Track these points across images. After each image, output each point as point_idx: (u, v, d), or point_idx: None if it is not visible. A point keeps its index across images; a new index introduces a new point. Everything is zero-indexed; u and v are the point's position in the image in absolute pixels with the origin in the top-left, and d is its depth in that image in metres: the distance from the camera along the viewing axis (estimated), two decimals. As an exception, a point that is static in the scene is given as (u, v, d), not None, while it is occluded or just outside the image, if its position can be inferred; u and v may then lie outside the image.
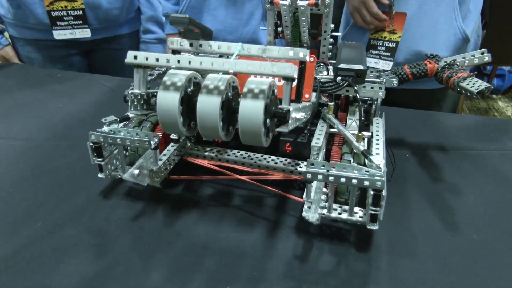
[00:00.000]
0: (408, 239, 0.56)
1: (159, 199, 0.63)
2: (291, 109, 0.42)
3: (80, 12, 1.21)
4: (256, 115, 0.44)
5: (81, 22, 1.23)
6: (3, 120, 0.90)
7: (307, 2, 0.69)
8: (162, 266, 0.51)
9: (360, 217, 0.53)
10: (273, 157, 0.66)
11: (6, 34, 1.30)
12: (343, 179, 0.48)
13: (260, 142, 0.47)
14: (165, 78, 0.48)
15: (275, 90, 0.48)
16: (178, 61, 0.44)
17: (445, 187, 0.68)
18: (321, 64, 0.75)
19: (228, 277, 0.50)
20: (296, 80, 0.43)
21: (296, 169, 0.64)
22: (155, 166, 0.58)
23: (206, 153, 0.68)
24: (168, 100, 0.46)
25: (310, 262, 0.53)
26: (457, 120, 0.95)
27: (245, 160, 0.66)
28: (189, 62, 0.44)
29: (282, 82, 0.45)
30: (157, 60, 0.45)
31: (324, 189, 0.54)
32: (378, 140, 0.60)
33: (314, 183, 0.51)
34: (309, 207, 0.52)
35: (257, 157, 0.66)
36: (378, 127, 0.64)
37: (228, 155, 0.67)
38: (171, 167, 0.64)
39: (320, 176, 0.49)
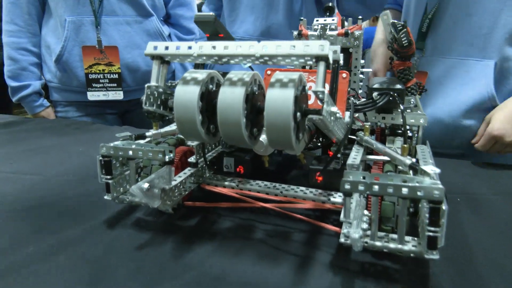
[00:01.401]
0: (476, 281, 0.44)
1: (169, 230, 0.55)
2: (325, 91, 0.36)
3: (116, 76, 1.27)
4: (285, 105, 0.38)
5: (115, 85, 1.28)
6: (22, 159, 0.88)
7: (336, 32, 0.68)
8: (165, 298, 0.41)
9: (414, 246, 0.43)
10: (302, 188, 0.58)
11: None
12: (390, 189, 0.39)
13: (290, 141, 0.40)
14: (186, 74, 0.44)
15: (306, 87, 0.43)
16: (201, 48, 0.41)
17: (509, 227, 0.57)
18: (352, 95, 0.70)
19: (246, 315, 0.39)
20: (330, 65, 0.38)
21: (329, 199, 0.55)
22: (167, 185, 0.51)
23: (227, 183, 0.60)
24: (187, 94, 0.42)
25: (352, 302, 0.41)
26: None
27: (270, 190, 0.58)
28: (213, 48, 0.40)
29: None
30: (178, 48, 0.42)
31: (366, 212, 0.44)
32: (426, 162, 0.51)
33: (354, 198, 0.42)
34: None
35: (283, 187, 0.58)
36: (424, 152, 0.56)
37: (251, 185, 0.60)
38: (186, 192, 0.56)
39: (361, 187, 0.40)
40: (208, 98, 0.44)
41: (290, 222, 0.57)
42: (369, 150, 0.58)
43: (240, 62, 0.42)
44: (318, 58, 0.37)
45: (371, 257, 0.49)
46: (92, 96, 1.25)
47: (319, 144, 0.62)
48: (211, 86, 0.44)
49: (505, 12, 0.84)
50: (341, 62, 0.48)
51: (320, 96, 0.37)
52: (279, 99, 0.38)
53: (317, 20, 0.71)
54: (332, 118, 0.41)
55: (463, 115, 0.91)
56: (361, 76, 0.76)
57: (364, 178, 0.41)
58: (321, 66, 0.37)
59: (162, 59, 0.44)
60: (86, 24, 1.19)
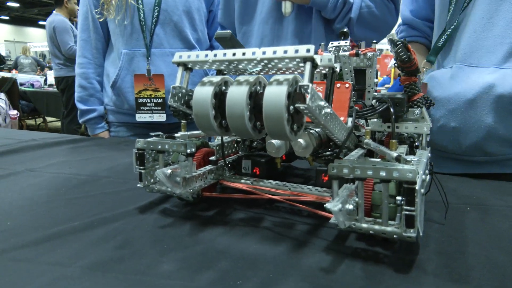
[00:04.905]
0: (461, 270, 0.47)
1: (189, 217, 0.63)
2: (310, 85, 0.44)
3: (161, 100, 1.43)
4: (279, 98, 0.46)
5: (160, 108, 1.44)
6: (78, 165, 1.02)
7: (348, 53, 0.76)
8: (175, 261, 0.49)
9: (396, 228, 0.47)
10: (308, 186, 0.64)
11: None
12: (370, 172, 0.45)
13: (284, 130, 0.47)
14: (204, 78, 0.53)
15: (302, 89, 0.51)
16: (215, 55, 0.50)
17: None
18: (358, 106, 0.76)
19: (241, 275, 0.45)
20: (316, 66, 0.46)
21: (331, 195, 0.60)
22: (188, 175, 0.60)
23: (243, 181, 0.68)
24: (203, 93, 0.51)
25: (337, 274, 0.46)
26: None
27: (280, 187, 0.65)
28: (224, 55, 0.50)
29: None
30: (197, 56, 0.52)
31: (356, 198, 0.50)
32: (418, 160, 0.55)
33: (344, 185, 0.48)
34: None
35: (291, 185, 0.65)
36: (422, 153, 0.60)
37: (264, 183, 0.67)
38: (205, 184, 0.65)
39: (345, 170, 0.47)
40: (221, 97, 0.53)
41: (297, 217, 0.63)
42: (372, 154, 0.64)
43: (246, 66, 0.51)
44: (305, 59, 0.45)
45: (365, 245, 0.53)
46: (140, 117, 1.42)
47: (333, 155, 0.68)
48: (224, 88, 0.54)
49: None
50: (337, 70, 0.55)
51: (305, 88, 0.44)
52: (274, 93, 0.46)
53: (332, 43, 0.79)
54: (320, 111, 0.47)
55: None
56: (375, 93, 0.81)
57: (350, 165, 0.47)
58: (308, 65, 0.45)
59: (185, 66, 0.54)
60: (138, 55, 1.38)
